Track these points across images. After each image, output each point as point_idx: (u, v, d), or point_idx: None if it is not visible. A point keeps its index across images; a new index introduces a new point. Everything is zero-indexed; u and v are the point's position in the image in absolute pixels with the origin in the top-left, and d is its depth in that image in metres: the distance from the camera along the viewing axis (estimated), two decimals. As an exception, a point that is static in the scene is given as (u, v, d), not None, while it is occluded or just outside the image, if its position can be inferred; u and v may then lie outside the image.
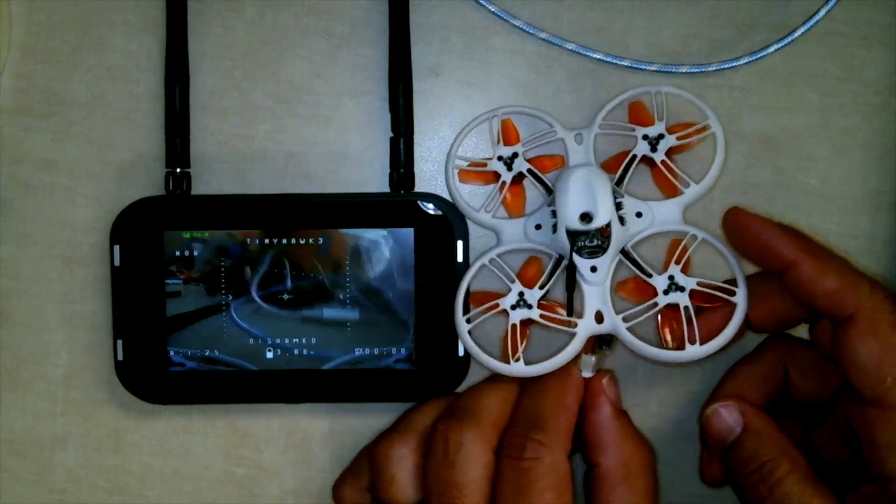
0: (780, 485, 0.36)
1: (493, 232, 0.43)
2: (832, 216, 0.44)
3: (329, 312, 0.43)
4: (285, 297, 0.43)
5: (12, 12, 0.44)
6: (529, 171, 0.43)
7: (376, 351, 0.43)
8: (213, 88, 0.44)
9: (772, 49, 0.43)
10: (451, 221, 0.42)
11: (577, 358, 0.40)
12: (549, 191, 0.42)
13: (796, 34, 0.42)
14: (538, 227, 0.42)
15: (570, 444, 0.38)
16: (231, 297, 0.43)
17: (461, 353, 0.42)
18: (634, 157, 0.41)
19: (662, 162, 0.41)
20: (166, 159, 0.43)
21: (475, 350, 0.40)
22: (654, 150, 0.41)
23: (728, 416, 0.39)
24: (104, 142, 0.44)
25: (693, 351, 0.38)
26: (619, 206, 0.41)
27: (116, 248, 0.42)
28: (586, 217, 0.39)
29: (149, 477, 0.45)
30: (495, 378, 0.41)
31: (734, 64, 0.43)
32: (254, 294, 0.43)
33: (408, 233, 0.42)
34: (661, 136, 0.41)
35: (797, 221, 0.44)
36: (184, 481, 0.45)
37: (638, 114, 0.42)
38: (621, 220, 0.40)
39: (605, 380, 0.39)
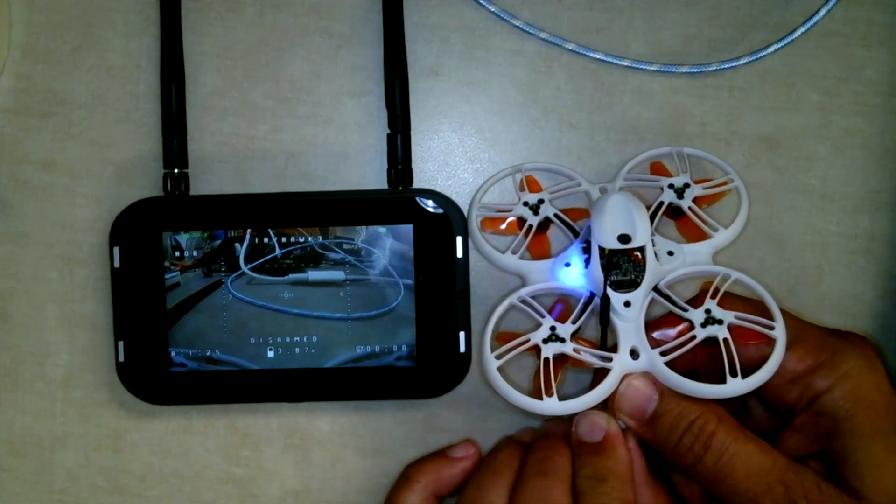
0: (713, 437, 0.36)
1: (518, 277, 0.42)
2: (832, 216, 0.44)
3: (328, 315, 0.43)
4: (286, 296, 0.43)
5: (12, 12, 0.44)
6: (556, 215, 0.42)
7: (377, 348, 0.43)
8: (213, 88, 0.44)
9: (772, 49, 0.43)
10: (450, 217, 0.42)
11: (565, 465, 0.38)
12: (577, 234, 0.42)
13: (796, 34, 0.42)
14: (568, 265, 0.41)
15: None
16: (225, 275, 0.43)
17: (462, 349, 0.42)
18: (662, 203, 0.42)
19: (689, 207, 0.41)
20: (164, 160, 0.43)
21: (505, 388, 0.38)
22: (680, 197, 0.42)
23: (644, 386, 0.38)
24: (104, 142, 0.44)
25: (735, 385, 0.37)
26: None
27: (116, 249, 0.42)
28: (624, 238, 0.39)
29: (149, 477, 0.45)
30: (507, 443, 0.41)
31: (734, 64, 0.43)
32: (245, 269, 0.43)
33: (407, 229, 0.42)
34: (686, 185, 0.42)
35: (797, 221, 0.44)
36: (184, 481, 0.45)
37: (659, 170, 0.43)
38: (654, 254, 0.40)
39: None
